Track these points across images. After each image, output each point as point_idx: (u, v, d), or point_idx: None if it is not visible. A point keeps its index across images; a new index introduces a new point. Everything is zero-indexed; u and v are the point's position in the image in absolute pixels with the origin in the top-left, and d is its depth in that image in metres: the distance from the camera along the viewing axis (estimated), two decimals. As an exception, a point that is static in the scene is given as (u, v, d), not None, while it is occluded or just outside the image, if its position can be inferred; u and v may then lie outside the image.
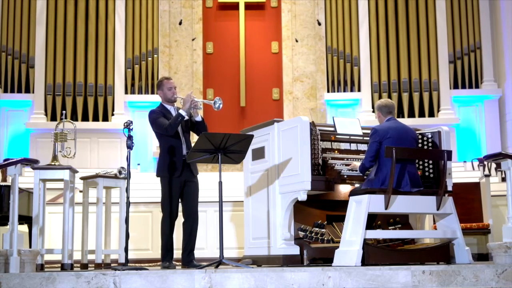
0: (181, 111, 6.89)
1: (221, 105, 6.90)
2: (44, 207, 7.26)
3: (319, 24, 15.10)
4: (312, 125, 6.56)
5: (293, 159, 6.55)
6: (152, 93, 14.80)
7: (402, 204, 6.28)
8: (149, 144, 14.43)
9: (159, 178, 7.06)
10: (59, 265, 7.40)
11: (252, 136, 6.41)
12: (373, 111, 14.64)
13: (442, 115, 14.65)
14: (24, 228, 8.30)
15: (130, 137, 6.41)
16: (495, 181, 10.82)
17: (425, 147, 6.86)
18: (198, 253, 7.21)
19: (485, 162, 12.43)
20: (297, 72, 15.11)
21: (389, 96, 14.72)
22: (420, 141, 6.87)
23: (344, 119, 7.35)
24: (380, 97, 14.80)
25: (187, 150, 6.97)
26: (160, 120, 6.95)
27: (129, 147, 6.40)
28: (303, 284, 5.38)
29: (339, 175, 6.53)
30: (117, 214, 8.40)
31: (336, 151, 6.91)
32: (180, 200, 7.04)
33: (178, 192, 6.97)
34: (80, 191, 9.20)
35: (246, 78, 15.08)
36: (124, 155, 14.40)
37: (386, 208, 6.17)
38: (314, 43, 15.18)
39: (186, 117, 6.97)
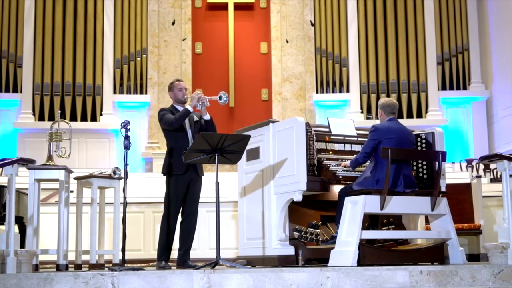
0: (187, 106, 6.95)
1: (227, 100, 6.96)
2: (39, 207, 7.22)
3: (312, 25, 15.15)
4: (307, 125, 6.58)
5: (289, 160, 6.56)
6: (141, 93, 14.80)
7: (397, 204, 6.30)
8: (137, 144, 14.40)
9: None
10: (53, 265, 7.36)
11: (249, 136, 6.40)
12: (361, 112, 14.73)
13: (430, 116, 14.75)
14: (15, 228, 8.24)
15: (127, 137, 6.40)
16: (484, 182, 10.88)
17: (419, 148, 6.90)
18: (191, 253, 7.19)
19: (473, 163, 12.56)
20: (286, 73, 15.14)
21: (378, 97, 14.79)
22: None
23: (338, 120, 7.38)
24: (368, 98, 14.90)
25: None
26: (167, 115, 7.03)
27: (126, 147, 6.40)
28: (302, 285, 5.38)
29: (334, 176, 6.55)
30: (110, 215, 8.38)
31: (331, 152, 6.94)
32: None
33: (183, 191, 6.97)
34: (71, 191, 9.15)
35: (235, 79, 15.09)
36: (113, 155, 14.40)
37: (381, 209, 6.19)
38: (303, 44, 15.22)
39: (196, 118, 7.05)
